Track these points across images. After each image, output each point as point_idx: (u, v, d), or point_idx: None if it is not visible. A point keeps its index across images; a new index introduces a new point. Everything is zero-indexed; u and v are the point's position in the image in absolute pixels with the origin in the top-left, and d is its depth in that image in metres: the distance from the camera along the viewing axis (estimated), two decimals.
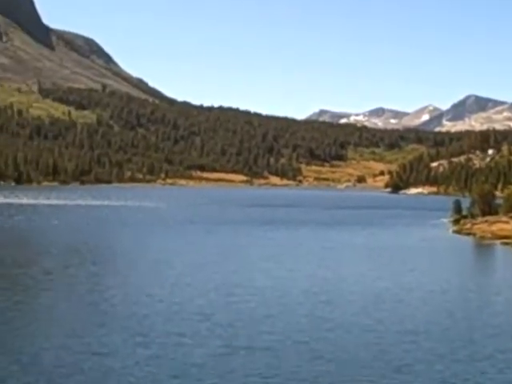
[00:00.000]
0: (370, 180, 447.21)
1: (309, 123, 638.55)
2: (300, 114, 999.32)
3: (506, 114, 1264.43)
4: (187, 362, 29.63)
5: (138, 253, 73.51)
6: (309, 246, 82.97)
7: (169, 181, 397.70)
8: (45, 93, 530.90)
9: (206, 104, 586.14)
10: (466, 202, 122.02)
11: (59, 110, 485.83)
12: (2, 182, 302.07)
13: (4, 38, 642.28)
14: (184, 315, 39.08)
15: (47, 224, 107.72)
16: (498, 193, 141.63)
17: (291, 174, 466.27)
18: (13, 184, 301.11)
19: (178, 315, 39.13)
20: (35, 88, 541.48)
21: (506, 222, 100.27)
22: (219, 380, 27.32)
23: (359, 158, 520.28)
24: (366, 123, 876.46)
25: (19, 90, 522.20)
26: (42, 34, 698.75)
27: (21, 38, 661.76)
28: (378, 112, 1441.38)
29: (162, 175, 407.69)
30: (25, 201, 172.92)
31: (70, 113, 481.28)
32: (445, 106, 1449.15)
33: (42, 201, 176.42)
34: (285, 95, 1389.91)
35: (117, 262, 65.42)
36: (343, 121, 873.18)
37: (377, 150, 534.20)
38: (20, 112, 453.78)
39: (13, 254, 67.37)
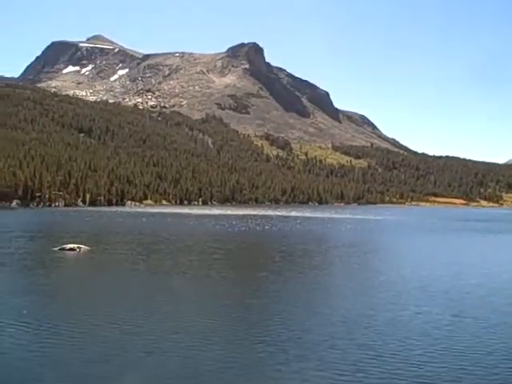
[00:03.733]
0: None
1: (507, 166, 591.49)
2: (500, 159, 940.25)
3: None
4: (416, 320, 27.06)
5: (395, 246, 70.91)
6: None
7: (413, 203, 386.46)
8: (335, 149, 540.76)
9: (437, 154, 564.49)
10: None
11: (344, 159, 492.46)
12: (310, 203, 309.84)
13: (311, 116, 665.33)
14: (423, 290, 36.04)
15: (337, 228, 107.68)
16: None
17: (495, 199, 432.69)
18: (316, 204, 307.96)
19: (419, 290, 36.17)
20: (329, 146, 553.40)
21: None
22: (439, 335, 24.50)
23: None
24: None
25: (320, 147, 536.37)
26: (334, 113, 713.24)
27: (321, 117, 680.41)
28: None
29: (409, 199, 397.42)
30: (325, 215, 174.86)
31: (351, 161, 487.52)
32: None
33: (333, 215, 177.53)
34: (488, 145, 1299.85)
35: (386, 255, 62.71)
36: None
37: None
38: (320, 161, 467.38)
39: (314, 246, 67.02)
